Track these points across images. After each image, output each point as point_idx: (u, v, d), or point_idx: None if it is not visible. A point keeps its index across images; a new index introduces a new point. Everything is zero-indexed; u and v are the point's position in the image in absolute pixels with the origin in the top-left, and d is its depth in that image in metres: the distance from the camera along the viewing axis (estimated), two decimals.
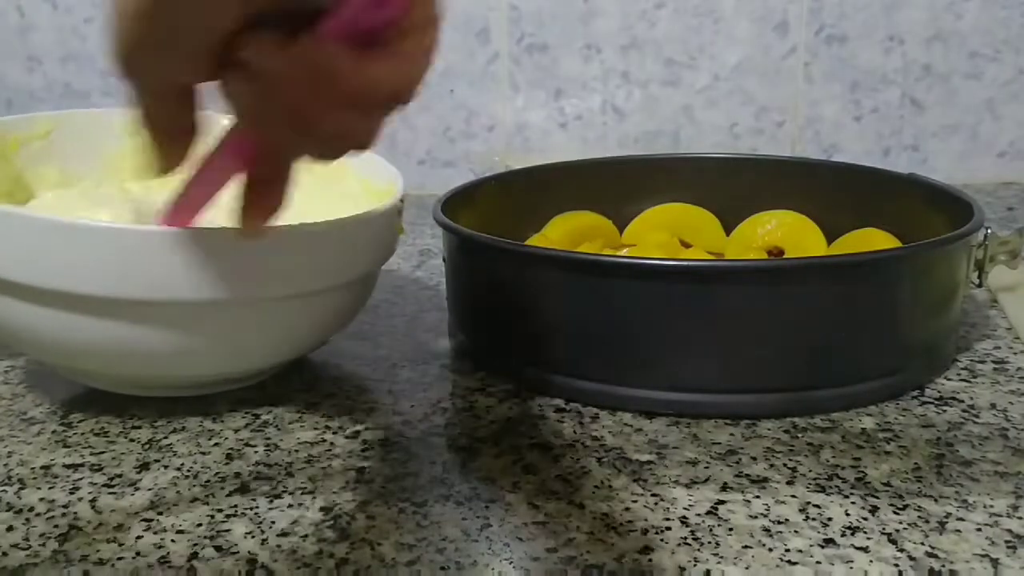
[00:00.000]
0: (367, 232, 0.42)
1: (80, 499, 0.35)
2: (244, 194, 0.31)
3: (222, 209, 0.43)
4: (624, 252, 0.57)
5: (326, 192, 0.50)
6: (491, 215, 0.53)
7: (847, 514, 0.33)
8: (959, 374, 0.44)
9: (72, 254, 0.36)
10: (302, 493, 0.35)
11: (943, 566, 0.30)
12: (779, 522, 0.32)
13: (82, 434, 0.40)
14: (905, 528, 0.32)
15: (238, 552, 0.32)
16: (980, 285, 0.48)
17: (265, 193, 0.31)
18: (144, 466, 0.38)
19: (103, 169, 0.51)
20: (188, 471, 0.37)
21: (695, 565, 0.30)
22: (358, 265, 0.42)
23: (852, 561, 0.30)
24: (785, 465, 0.36)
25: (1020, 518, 0.32)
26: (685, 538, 0.32)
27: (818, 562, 0.30)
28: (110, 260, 0.36)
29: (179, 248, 0.36)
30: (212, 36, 0.26)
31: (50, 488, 0.36)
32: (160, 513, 0.34)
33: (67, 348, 0.39)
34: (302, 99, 0.26)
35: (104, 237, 0.36)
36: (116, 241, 0.36)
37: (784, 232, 0.57)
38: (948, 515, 0.33)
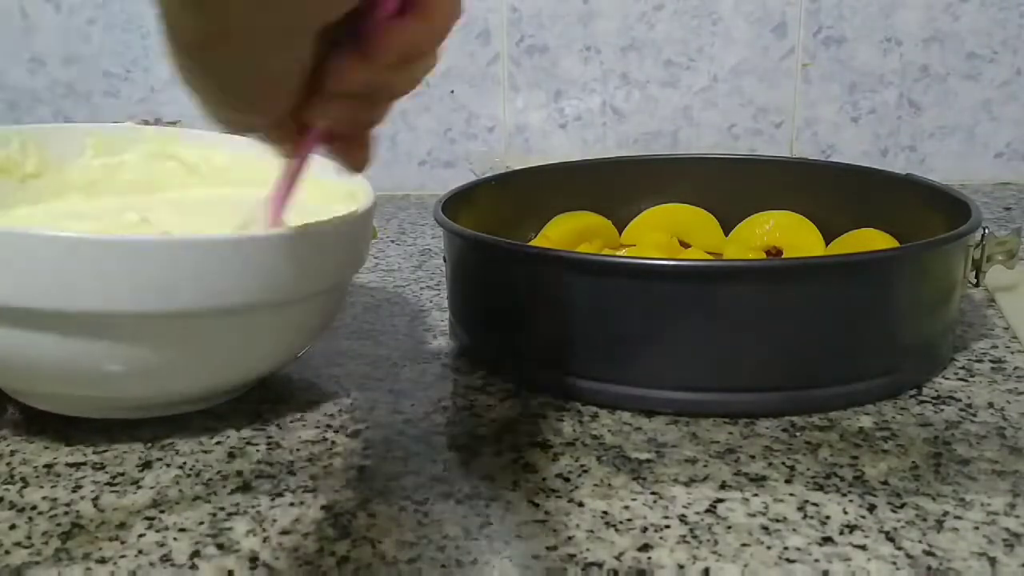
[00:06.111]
0: (338, 238, 0.41)
1: (82, 497, 0.35)
2: (336, 155, 0.33)
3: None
4: (623, 252, 0.57)
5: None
6: (491, 215, 0.53)
7: (845, 512, 0.33)
8: (956, 373, 0.45)
9: (17, 266, 0.34)
10: (304, 491, 0.36)
11: (941, 564, 0.30)
12: (777, 520, 0.33)
13: (84, 432, 0.40)
14: (903, 526, 0.32)
15: (240, 550, 0.32)
16: (977, 285, 0.48)
17: (352, 147, 0.33)
18: (146, 464, 0.38)
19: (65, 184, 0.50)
20: (190, 469, 0.37)
21: (694, 563, 0.30)
22: (331, 273, 0.41)
23: (850, 559, 0.30)
24: (783, 464, 0.37)
25: (1017, 516, 0.32)
26: (684, 536, 0.32)
27: (816, 560, 0.30)
28: (50, 271, 0.34)
29: (126, 258, 0.34)
30: (292, 83, 0.28)
31: (52, 486, 0.36)
32: (162, 511, 0.34)
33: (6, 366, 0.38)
34: (388, 88, 0.30)
35: (49, 247, 0.34)
36: (57, 251, 0.34)
37: (782, 232, 0.57)
38: (946, 513, 0.33)
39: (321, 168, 0.50)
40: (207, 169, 0.52)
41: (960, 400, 0.42)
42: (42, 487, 0.36)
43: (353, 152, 0.33)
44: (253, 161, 0.52)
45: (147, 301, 0.35)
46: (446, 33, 0.29)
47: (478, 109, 0.89)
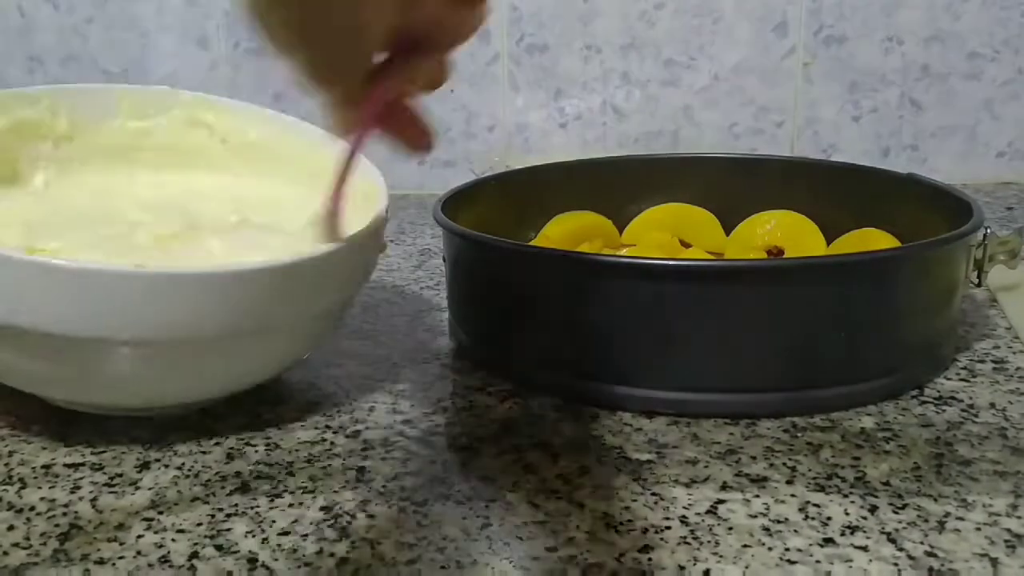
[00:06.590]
0: (348, 259, 0.40)
1: (81, 498, 0.35)
2: (397, 140, 0.34)
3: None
4: (624, 252, 0.57)
5: (302, 190, 0.49)
6: (491, 215, 0.53)
7: (846, 513, 0.33)
8: (958, 374, 0.44)
9: (54, 294, 0.34)
10: (302, 492, 0.35)
11: (942, 565, 0.30)
12: (778, 521, 0.33)
13: (83, 433, 0.40)
14: (904, 527, 0.32)
15: (239, 551, 0.32)
16: (979, 285, 0.48)
17: (412, 130, 0.34)
18: (145, 465, 0.38)
19: (98, 149, 0.49)
20: (189, 470, 0.37)
21: (695, 564, 0.30)
22: (338, 292, 0.41)
23: (851, 560, 0.30)
24: (784, 464, 0.36)
25: (1019, 517, 0.32)
26: (685, 537, 0.32)
27: (817, 561, 0.30)
28: (70, 298, 0.34)
29: (148, 287, 0.34)
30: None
31: (51, 487, 0.36)
32: (161, 512, 0.34)
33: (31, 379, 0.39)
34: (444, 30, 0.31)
35: (81, 276, 0.34)
36: (80, 281, 0.34)
37: (784, 232, 0.57)
38: (947, 514, 0.33)
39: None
40: (237, 143, 0.51)
41: (962, 400, 0.42)
42: (40, 488, 0.36)
43: (411, 130, 0.34)
44: (282, 143, 0.51)
45: (150, 329, 0.35)
46: None
47: (478, 108, 0.88)
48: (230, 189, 0.50)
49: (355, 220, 0.40)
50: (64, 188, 0.48)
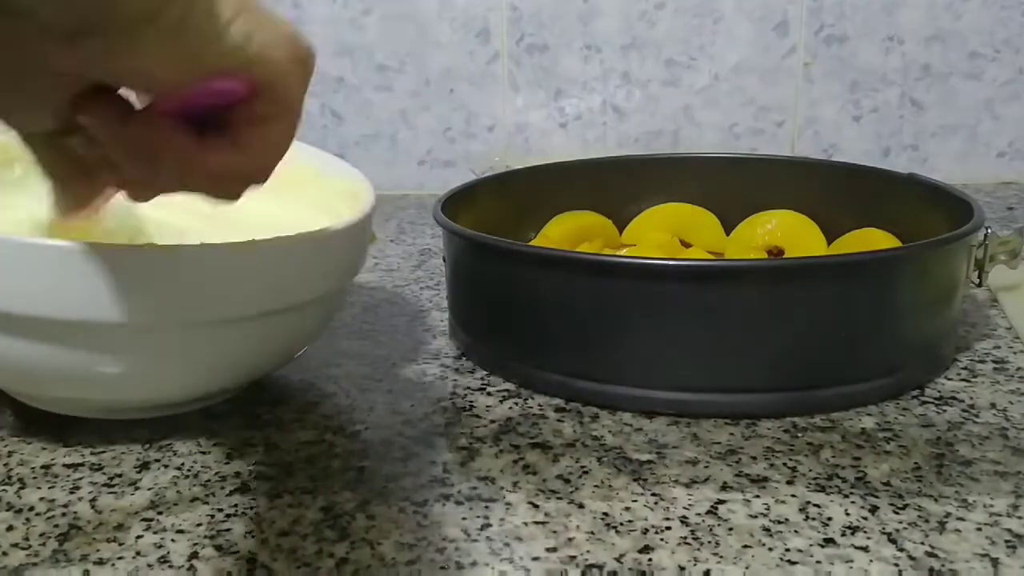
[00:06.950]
0: (338, 245, 0.40)
1: (80, 499, 0.35)
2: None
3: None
4: (624, 252, 0.57)
5: (288, 197, 0.50)
6: (491, 215, 0.53)
7: (847, 514, 0.33)
8: (959, 374, 0.44)
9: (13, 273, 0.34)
10: (302, 493, 0.35)
11: (943, 566, 0.30)
12: (779, 522, 0.32)
13: (82, 433, 0.40)
14: (905, 528, 0.32)
15: (238, 552, 0.32)
16: (980, 285, 0.48)
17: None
18: (144, 465, 0.38)
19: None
20: (188, 470, 0.37)
21: (695, 565, 0.30)
22: (327, 281, 0.41)
23: (852, 561, 0.30)
24: (785, 465, 0.36)
25: (1020, 518, 0.32)
26: (685, 538, 0.32)
27: (818, 562, 0.30)
28: (48, 279, 0.34)
29: (128, 267, 0.34)
30: (50, 106, 0.26)
31: (50, 488, 0.36)
32: (160, 513, 0.34)
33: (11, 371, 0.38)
34: (141, 165, 0.27)
35: (58, 256, 0.34)
36: (61, 260, 0.34)
37: (784, 232, 0.57)
38: (948, 515, 0.33)
39: (324, 166, 0.50)
40: None
41: (963, 401, 0.41)
42: (40, 488, 0.36)
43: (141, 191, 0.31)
44: None
45: (144, 311, 0.35)
46: (265, 172, 0.28)
47: (478, 108, 0.88)
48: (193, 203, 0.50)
49: (345, 213, 0.41)
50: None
